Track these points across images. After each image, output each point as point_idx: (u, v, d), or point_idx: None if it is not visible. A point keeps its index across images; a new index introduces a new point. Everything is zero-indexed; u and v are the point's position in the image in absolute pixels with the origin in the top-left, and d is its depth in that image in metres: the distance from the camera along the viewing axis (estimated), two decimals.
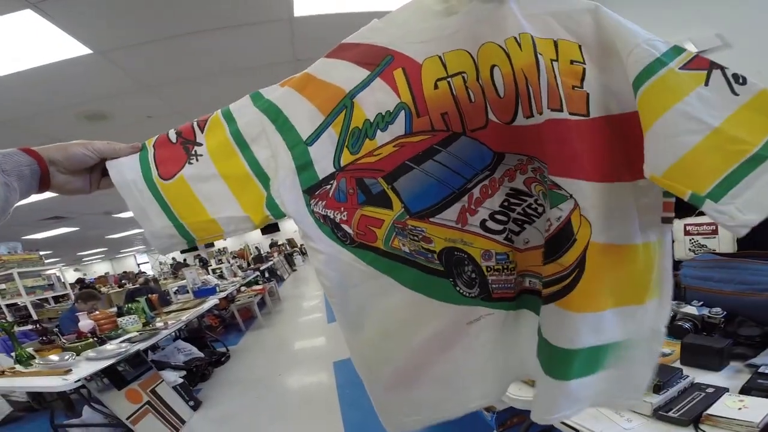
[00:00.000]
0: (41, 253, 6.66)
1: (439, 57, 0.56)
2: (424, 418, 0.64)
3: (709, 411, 0.89)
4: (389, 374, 0.62)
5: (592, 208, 0.52)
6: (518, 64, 0.53)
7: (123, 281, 11.55)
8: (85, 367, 2.63)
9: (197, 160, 0.58)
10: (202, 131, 0.59)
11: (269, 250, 15.20)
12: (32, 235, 7.41)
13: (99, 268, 18.41)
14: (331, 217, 0.58)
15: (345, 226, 0.58)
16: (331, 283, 0.59)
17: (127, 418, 2.77)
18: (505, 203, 0.59)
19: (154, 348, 4.15)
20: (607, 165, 0.53)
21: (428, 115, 0.56)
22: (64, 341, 3.10)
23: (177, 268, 13.24)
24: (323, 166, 0.58)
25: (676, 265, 1.69)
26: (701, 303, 1.31)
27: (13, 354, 2.80)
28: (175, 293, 6.01)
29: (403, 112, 0.56)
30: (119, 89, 2.88)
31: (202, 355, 4.46)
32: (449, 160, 0.56)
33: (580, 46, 0.53)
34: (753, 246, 1.71)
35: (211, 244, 20.39)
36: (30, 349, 2.87)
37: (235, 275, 8.32)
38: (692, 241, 2.44)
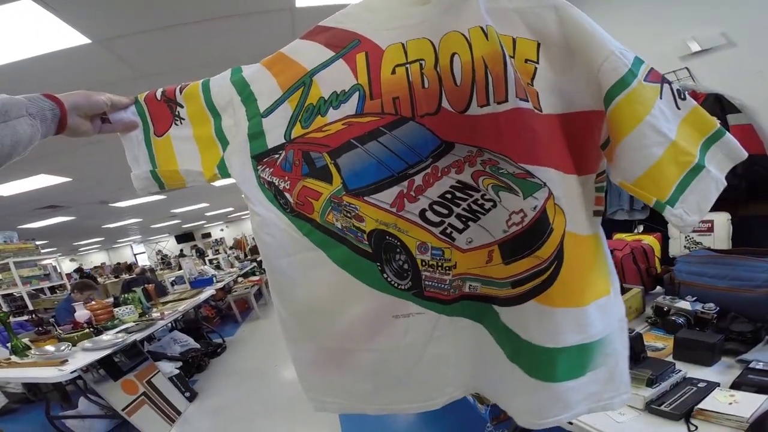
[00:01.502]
0: (37, 242, 6.63)
1: (402, 44, 0.57)
2: (346, 404, 0.65)
3: (701, 405, 0.90)
4: (314, 351, 0.65)
5: (563, 197, 0.55)
6: (479, 53, 0.54)
7: (116, 273, 11.54)
8: (81, 357, 2.63)
9: (181, 123, 0.68)
10: (181, 93, 0.68)
11: None
12: (28, 225, 7.36)
13: (95, 258, 18.36)
14: (275, 183, 0.62)
15: (287, 194, 0.62)
16: (266, 249, 0.63)
17: (123, 409, 2.77)
18: (449, 195, 0.57)
19: (150, 339, 4.16)
20: (566, 157, 0.56)
21: (381, 98, 0.57)
22: (60, 332, 3.09)
23: (165, 261, 13.28)
24: (274, 137, 0.62)
25: (672, 261, 1.71)
26: (695, 298, 1.33)
27: (8, 345, 2.79)
28: (171, 284, 6.00)
29: (357, 93, 0.58)
30: (118, 78, 2.84)
31: (198, 346, 4.47)
32: (392, 143, 0.57)
33: (538, 45, 0.56)
34: (747, 244, 1.73)
35: (208, 235, 20.39)
36: (26, 340, 2.87)
37: (232, 266, 8.31)
38: (688, 238, 2.45)
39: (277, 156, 0.62)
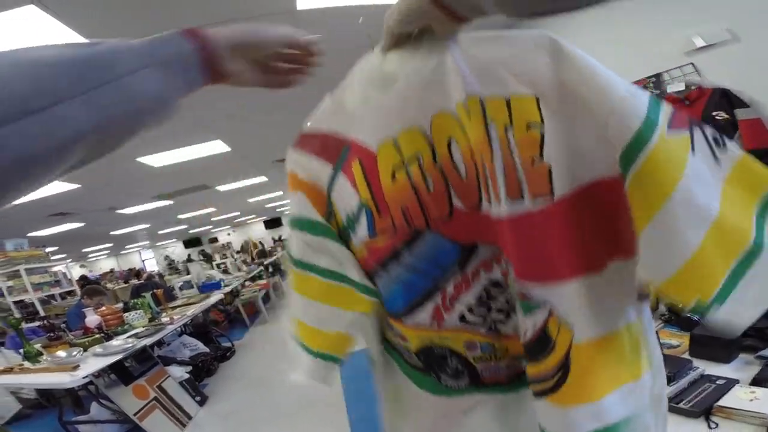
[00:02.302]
0: (47, 249, 6.70)
1: (393, 140, 0.51)
2: None
3: (720, 402, 0.88)
4: None
5: (570, 310, 0.46)
6: (472, 139, 0.47)
7: (126, 279, 11.64)
8: (92, 362, 2.65)
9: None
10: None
11: (272, 245, 15.24)
12: (38, 232, 7.44)
13: (105, 264, 18.53)
14: None
15: None
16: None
17: (135, 414, 2.80)
18: (483, 295, 0.52)
19: (159, 343, 4.19)
20: (581, 255, 0.45)
21: (389, 213, 0.52)
22: (72, 337, 3.13)
23: (172, 267, 13.39)
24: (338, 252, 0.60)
25: None
26: None
27: (21, 350, 2.82)
28: (180, 288, 6.04)
29: (364, 213, 0.53)
30: None
31: (207, 350, 4.49)
32: (414, 263, 0.52)
33: (537, 100, 0.44)
34: None
35: (215, 240, 20.51)
36: (38, 346, 2.90)
37: (239, 270, 8.36)
38: None
39: None
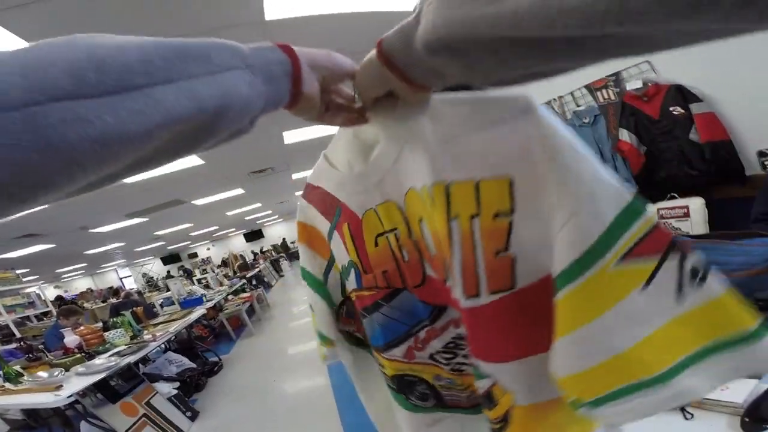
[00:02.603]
0: (18, 271, 6.47)
1: (375, 210, 0.54)
2: None
3: None
4: None
5: (511, 383, 0.48)
6: (437, 227, 0.47)
7: (104, 298, 11.29)
8: (76, 382, 2.60)
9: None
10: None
11: (254, 259, 15.04)
12: (6, 255, 7.16)
13: (80, 284, 17.89)
14: (346, 329, 0.70)
15: (358, 334, 0.69)
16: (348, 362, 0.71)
17: (126, 431, 2.75)
18: (451, 344, 0.57)
19: (144, 361, 4.10)
20: (526, 342, 0.45)
21: (372, 272, 0.57)
22: (52, 357, 3.05)
23: (151, 284, 13.05)
24: (336, 297, 0.68)
25: None
26: None
27: (0, 372, 2.74)
28: (161, 305, 5.92)
29: (353, 269, 0.59)
30: None
31: (194, 365, 4.41)
32: (392, 313, 0.58)
33: (511, 182, 0.41)
34: (724, 227, 1.80)
35: (195, 255, 20.10)
36: (17, 367, 2.82)
37: (221, 284, 8.23)
38: (666, 224, 2.57)
39: (341, 310, 0.69)
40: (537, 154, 0.39)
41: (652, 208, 2.53)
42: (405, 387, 0.62)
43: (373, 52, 0.42)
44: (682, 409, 0.86)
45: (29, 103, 0.24)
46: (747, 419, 0.76)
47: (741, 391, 0.83)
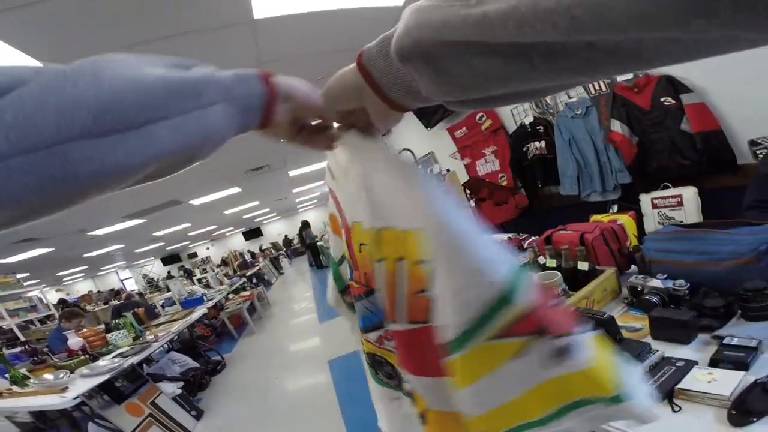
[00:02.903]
0: (19, 275, 6.49)
1: (357, 223, 0.61)
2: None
3: (681, 385, 0.87)
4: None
5: (422, 391, 0.59)
6: (366, 263, 0.59)
7: (106, 300, 11.32)
8: (81, 383, 2.63)
9: None
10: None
11: (253, 258, 15.05)
12: (5, 259, 7.17)
13: (82, 286, 17.90)
14: (349, 301, 0.79)
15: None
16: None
17: (132, 431, 2.79)
18: None
19: (148, 361, 4.14)
20: (437, 367, 0.50)
21: (359, 271, 0.66)
22: (56, 360, 3.08)
23: (152, 285, 13.09)
24: (346, 278, 0.77)
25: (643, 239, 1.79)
26: (666, 276, 1.29)
27: (6, 375, 2.77)
28: (162, 306, 5.96)
29: (346, 263, 0.71)
30: None
31: (197, 364, 4.45)
32: (369, 305, 0.67)
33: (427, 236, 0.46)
34: (717, 216, 1.82)
35: (194, 255, 20.12)
36: (23, 370, 2.85)
37: (221, 283, 8.26)
38: (660, 214, 2.59)
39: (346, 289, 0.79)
40: (426, 220, 0.43)
41: (645, 198, 2.54)
42: (376, 364, 0.73)
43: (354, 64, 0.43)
44: (670, 401, 0.87)
45: (62, 141, 0.27)
46: (734, 412, 0.77)
47: (728, 384, 0.83)
